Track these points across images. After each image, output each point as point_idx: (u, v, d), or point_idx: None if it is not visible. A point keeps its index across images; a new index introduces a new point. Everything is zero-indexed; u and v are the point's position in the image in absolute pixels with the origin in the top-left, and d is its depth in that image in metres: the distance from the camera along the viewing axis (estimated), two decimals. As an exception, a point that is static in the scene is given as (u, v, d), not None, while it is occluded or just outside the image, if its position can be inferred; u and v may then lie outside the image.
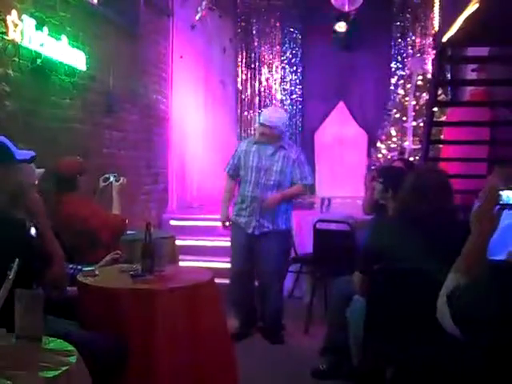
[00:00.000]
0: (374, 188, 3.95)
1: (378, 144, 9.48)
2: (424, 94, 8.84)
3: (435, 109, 6.49)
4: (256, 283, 4.73)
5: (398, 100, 9.57)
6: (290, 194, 4.56)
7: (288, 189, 4.52)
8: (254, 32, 10.63)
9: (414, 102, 9.05)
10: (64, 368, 1.74)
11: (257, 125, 4.69)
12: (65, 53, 4.55)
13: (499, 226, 3.41)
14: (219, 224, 4.85)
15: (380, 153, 9.32)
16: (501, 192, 2.53)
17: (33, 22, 4.11)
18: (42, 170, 3.28)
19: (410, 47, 10.23)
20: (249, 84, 10.71)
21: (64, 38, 4.53)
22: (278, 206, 4.47)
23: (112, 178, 3.95)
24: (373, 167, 4.79)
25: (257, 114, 4.88)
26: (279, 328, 4.62)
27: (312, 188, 4.83)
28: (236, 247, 4.62)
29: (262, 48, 10.73)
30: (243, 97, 10.65)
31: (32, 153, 2.70)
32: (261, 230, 4.50)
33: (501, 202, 2.57)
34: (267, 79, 10.82)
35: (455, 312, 1.69)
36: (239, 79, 10.65)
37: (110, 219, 3.78)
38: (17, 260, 2.05)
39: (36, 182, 3.08)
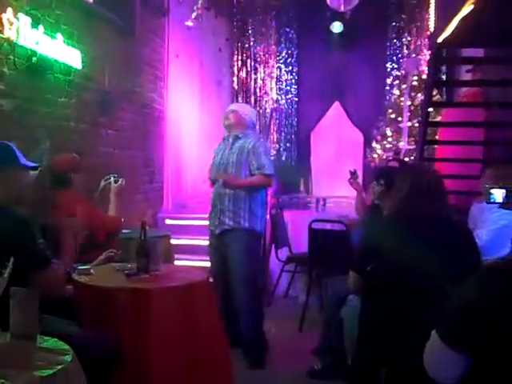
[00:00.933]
0: (369, 190, 3.95)
1: (374, 144, 9.48)
2: (419, 95, 8.85)
3: (430, 109, 6.51)
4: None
5: (393, 100, 9.58)
6: (249, 182, 4.19)
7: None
8: (250, 32, 10.62)
9: (409, 103, 9.05)
10: (59, 367, 1.74)
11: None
12: (60, 51, 4.54)
13: (495, 227, 3.43)
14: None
15: (375, 153, 9.33)
16: (492, 190, 2.55)
17: (28, 20, 4.09)
18: (36, 172, 3.27)
19: (405, 48, 10.25)
20: (244, 83, 10.71)
21: (59, 36, 4.52)
22: (238, 202, 4.15)
23: (112, 179, 3.96)
24: (352, 169, 4.69)
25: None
26: (259, 349, 4.17)
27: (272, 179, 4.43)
28: (210, 253, 4.42)
29: (258, 48, 10.72)
30: (239, 96, 10.65)
31: (36, 164, 2.70)
32: (221, 227, 4.20)
33: (492, 200, 2.59)
34: (263, 79, 10.82)
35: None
36: (235, 79, 10.65)
37: (104, 219, 3.78)
38: (12, 258, 2.05)
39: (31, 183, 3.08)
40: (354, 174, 4.66)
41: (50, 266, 2.43)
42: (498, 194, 2.55)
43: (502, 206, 2.65)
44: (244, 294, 4.14)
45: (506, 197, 2.53)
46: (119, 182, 3.95)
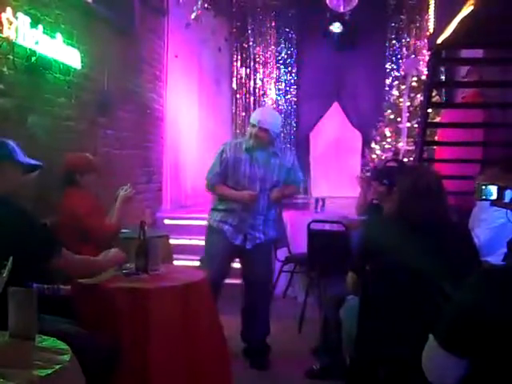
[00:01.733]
0: (371, 190, 3.96)
1: (373, 145, 9.49)
2: (418, 95, 8.86)
3: (429, 110, 6.51)
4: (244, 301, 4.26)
5: (392, 101, 9.58)
6: (289, 192, 4.22)
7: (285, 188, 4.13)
8: (250, 32, 10.63)
9: (408, 103, 9.06)
10: (57, 366, 1.74)
11: (251, 127, 4.01)
12: (59, 51, 4.53)
13: (492, 226, 3.43)
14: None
15: (374, 153, 9.34)
16: (484, 187, 2.55)
17: (27, 19, 4.09)
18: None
19: (404, 48, 10.27)
20: (244, 84, 10.71)
21: (59, 35, 4.52)
22: (269, 216, 4.12)
23: (124, 188, 3.98)
24: (367, 170, 4.71)
25: (254, 112, 4.17)
26: (265, 351, 4.22)
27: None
28: (214, 256, 4.07)
29: (258, 48, 10.73)
30: (238, 96, 10.66)
31: (38, 163, 2.70)
32: (253, 242, 4.08)
33: (483, 197, 2.59)
34: (262, 79, 10.82)
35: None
36: (234, 79, 10.65)
37: (103, 224, 3.79)
38: (10, 258, 2.05)
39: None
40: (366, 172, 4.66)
41: (60, 253, 2.43)
42: (490, 191, 2.55)
43: (493, 202, 2.65)
44: (264, 301, 4.23)
45: (498, 194, 2.54)
46: (125, 189, 3.96)
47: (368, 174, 4.73)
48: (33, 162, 2.64)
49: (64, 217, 3.74)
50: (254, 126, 3.97)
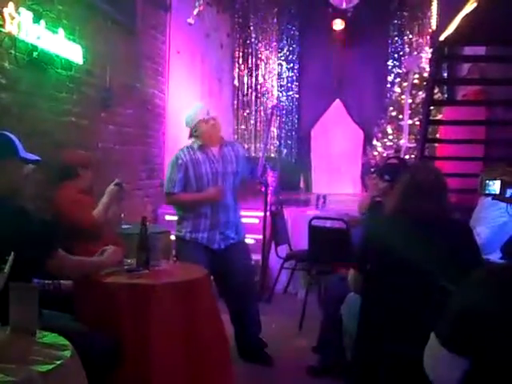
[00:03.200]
0: (374, 186, 3.95)
1: (374, 142, 9.49)
2: (420, 93, 8.85)
3: (431, 107, 6.50)
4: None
5: (394, 98, 9.58)
6: (256, 191, 4.30)
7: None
8: (252, 28, 10.61)
9: (410, 101, 9.05)
10: (58, 362, 1.74)
11: (200, 125, 3.97)
12: (61, 46, 4.52)
13: (495, 224, 3.43)
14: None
15: (376, 150, 9.33)
16: (487, 181, 2.55)
17: (30, 14, 4.08)
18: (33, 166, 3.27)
19: (406, 45, 10.26)
20: (246, 80, 10.70)
21: (61, 31, 4.50)
22: (237, 213, 4.09)
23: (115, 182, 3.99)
24: (372, 169, 4.67)
25: (185, 117, 4.12)
26: (261, 348, 4.16)
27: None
28: None
29: (259, 44, 10.72)
30: (240, 93, 10.64)
31: (37, 157, 2.69)
32: (226, 242, 4.00)
33: (487, 192, 2.59)
34: (264, 75, 10.81)
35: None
36: (236, 75, 10.64)
37: (84, 217, 3.79)
38: (12, 254, 2.05)
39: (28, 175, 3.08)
40: (372, 173, 4.61)
41: (57, 253, 2.43)
42: (494, 186, 2.55)
43: (495, 197, 2.65)
44: (253, 303, 4.16)
45: (501, 188, 2.54)
46: (115, 183, 3.95)
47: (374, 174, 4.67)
48: (33, 157, 2.63)
49: (56, 211, 3.77)
50: (201, 121, 3.97)
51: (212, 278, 3.97)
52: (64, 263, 2.51)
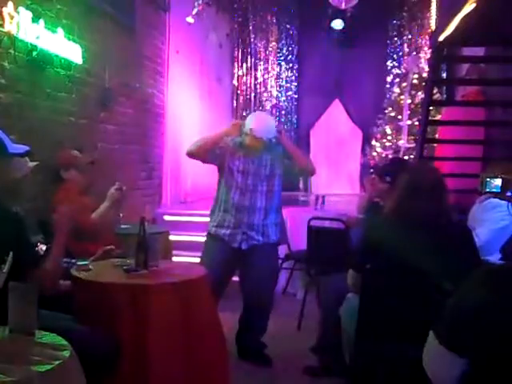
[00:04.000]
0: (372, 187, 3.94)
1: (373, 142, 9.50)
2: (419, 93, 8.87)
3: (430, 108, 6.51)
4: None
5: (393, 98, 9.59)
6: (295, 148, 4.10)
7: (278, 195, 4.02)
8: (251, 28, 10.62)
9: (409, 101, 9.07)
10: (57, 362, 1.74)
11: (243, 134, 3.93)
12: (61, 46, 4.53)
13: (495, 227, 3.43)
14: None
15: (375, 151, 9.34)
16: (488, 180, 2.56)
17: (29, 14, 4.08)
18: (35, 163, 3.28)
19: (406, 46, 10.27)
20: (245, 80, 10.70)
21: (60, 30, 4.51)
22: (269, 215, 3.98)
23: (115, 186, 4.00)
24: (371, 169, 4.67)
25: (247, 118, 4.01)
26: (261, 349, 4.13)
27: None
28: (213, 265, 3.68)
29: (259, 44, 10.72)
30: (239, 92, 10.65)
31: (26, 147, 2.67)
32: (249, 243, 3.93)
33: (487, 190, 2.60)
34: (263, 75, 10.81)
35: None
36: (235, 75, 10.64)
37: (80, 218, 3.80)
38: (11, 253, 2.04)
39: (27, 174, 3.08)
40: (371, 174, 4.59)
41: (41, 265, 2.42)
42: (494, 184, 2.56)
43: (496, 195, 2.66)
44: (265, 309, 4.11)
45: (502, 187, 2.55)
46: (116, 187, 3.96)
47: (373, 174, 4.65)
48: (22, 148, 2.59)
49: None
50: (246, 134, 3.90)
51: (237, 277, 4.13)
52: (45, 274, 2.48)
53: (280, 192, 4.07)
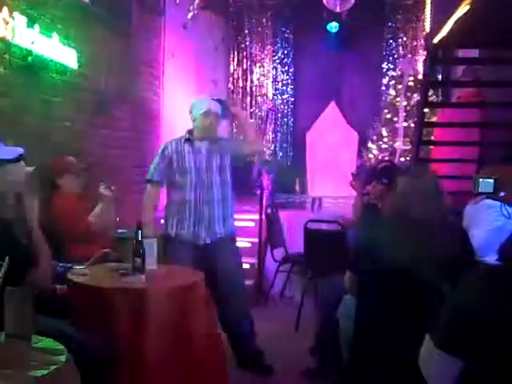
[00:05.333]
0: (368, 189, 3.95)
1: (369, 144, 9.50)
2: (415, 95, 8.88)
3: (426, 110, 6.52)
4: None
5: (389, 100, 9.60)
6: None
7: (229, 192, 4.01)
8: (246, 31, 10.63)
9: (405, 103, 9.08)
10: (53, 367, 1.74)
11: (195, 117, 3.99)
12: (56, 50, 4.53)
13: (490, 228, 3.43)
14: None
15: (371, 153, 9.35)
16: (481, 180, 2.57)
17: (24, 19, 4.09)
18: (31, 168, 3.27)
19: (401, 48, 10.29)
20: (240, 83, 10.70)
21: (55, 35, 4.51)
22: (227, 207, 3.97)
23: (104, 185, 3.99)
24: (356, 172, 4.67)
25: (190, 105, 4.15)
26: (259, 356, 4.04)
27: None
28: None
29: (254, 47, 10.73)
30: (235, 96, 10.65)
31: (19, 150, 2.65)
32: (212, 237, 3.89)
33: (480, 190, 2.61)
34: (259, 78, 10.82)
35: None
36: (231, 78, 10.64)
37: (78, 223, 3.81)
38: (7, 258, 2.04)
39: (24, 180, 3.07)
40: (356, 175, 4.60)
41: (42, 260, 2.41)
42: (487, 185, 2.57)
43: (489, 195, 2.67)
44: (243, 305, 4.02)
45: (494, 187, 2.56)
46: (106, 189, 3.95)
47: (358, 176, 4.65)
48: (16, 152, 2.58)
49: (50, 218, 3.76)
50: (205, 116, 3.95)
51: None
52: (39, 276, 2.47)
53: (232, 183, 4.06)
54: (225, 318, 3.90)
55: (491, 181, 2.55)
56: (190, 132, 4.06)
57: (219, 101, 3.98)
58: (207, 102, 4.05)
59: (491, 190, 2.56)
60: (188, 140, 4.00)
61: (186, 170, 3.93)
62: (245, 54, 10.69)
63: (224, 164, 3.99)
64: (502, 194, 2.56)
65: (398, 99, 9.29)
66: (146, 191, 4.10)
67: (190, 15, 7.92)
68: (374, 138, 9.45)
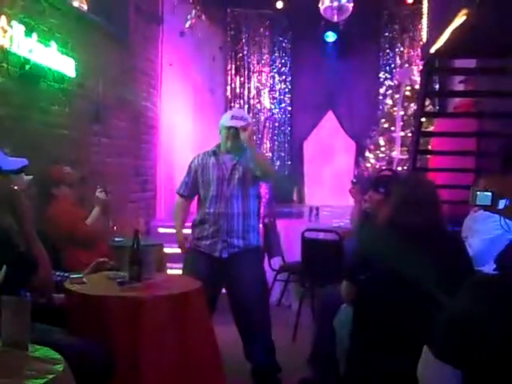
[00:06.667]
0: (365, 199, 3.95)
1: (367, 153, 9.52)
2: (412, 105, 8.91)
3: (423, 119, 6.54)
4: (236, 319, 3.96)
5: (386, 110, 9.63)
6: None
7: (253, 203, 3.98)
8: (244, 41, 10.67)
9: (402, 113, 9.10)
10: (50, 376, 1.72)
11: (220, 130, 3.97)
12: (54, 59, 4.53)
13: (488, 237, 3.44)
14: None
15: (368, 162, 9.36)
16: (478, 193, 2.57)
17: (22, 27, 4.09)
18: (30, 177, 3.28)
19: (398, 58, 10.34)
20: (238, 92, 10.73)
21: (53, 44, 4.52)
22: (248, 219, 3.92)
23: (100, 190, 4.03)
24: (354, 180, 4.66)
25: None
26: (274, 370, 3.94)
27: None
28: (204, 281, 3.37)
29: (252, 57, 10.76)
30: (232, 105, 10.67)
31: (24, 161, 2.65)
32: (230, 250, 3.86)
33: (478, 203, 2.61)
34: (256, 88, 10.85)
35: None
36: (228, 87, 10.67)
37: (79, 229, 3.84)
38: (4, 266, 2.03)
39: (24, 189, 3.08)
40: (355, 183, 4.59)
41: (42, 267, 2.41)
42: (485, 197, 2.57)
43: (487, 208, 2.67)
44: (263, 318, 3.93)
45: (492, 200, 2.56)
46: (102, 194, 4.00)
47: (357, 184, 4.63)
48: (18, 164, 2.57)
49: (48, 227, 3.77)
50: (228, 128, 3.91)
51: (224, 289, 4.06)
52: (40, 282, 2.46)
53: (255, 196, 4.05)
54: (240, 330, 3.92)
55: (489, 194, 2.54)
56: (218, 145, 4.06)
57: (235, 128, 3.88)
58: (231, 115, 4.01)
59: (489, 203, 2.56)
60: (214, 153, 4.00)
61: (209, 182, 3.94)
62: (242, 63, 10.72)
63: (247, 177, 3.93)
64: (501, 205, 2.56)
65: (395, 109, 9.32)
66: (175, 202, 4.29)
67: (187, 24, 7.95)
68: (372, 147, 9.46)
